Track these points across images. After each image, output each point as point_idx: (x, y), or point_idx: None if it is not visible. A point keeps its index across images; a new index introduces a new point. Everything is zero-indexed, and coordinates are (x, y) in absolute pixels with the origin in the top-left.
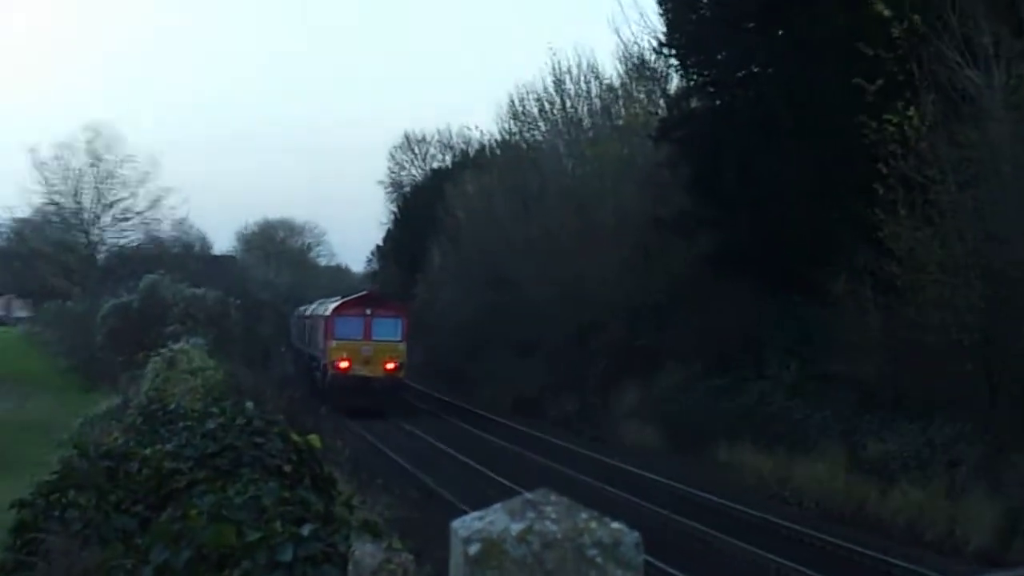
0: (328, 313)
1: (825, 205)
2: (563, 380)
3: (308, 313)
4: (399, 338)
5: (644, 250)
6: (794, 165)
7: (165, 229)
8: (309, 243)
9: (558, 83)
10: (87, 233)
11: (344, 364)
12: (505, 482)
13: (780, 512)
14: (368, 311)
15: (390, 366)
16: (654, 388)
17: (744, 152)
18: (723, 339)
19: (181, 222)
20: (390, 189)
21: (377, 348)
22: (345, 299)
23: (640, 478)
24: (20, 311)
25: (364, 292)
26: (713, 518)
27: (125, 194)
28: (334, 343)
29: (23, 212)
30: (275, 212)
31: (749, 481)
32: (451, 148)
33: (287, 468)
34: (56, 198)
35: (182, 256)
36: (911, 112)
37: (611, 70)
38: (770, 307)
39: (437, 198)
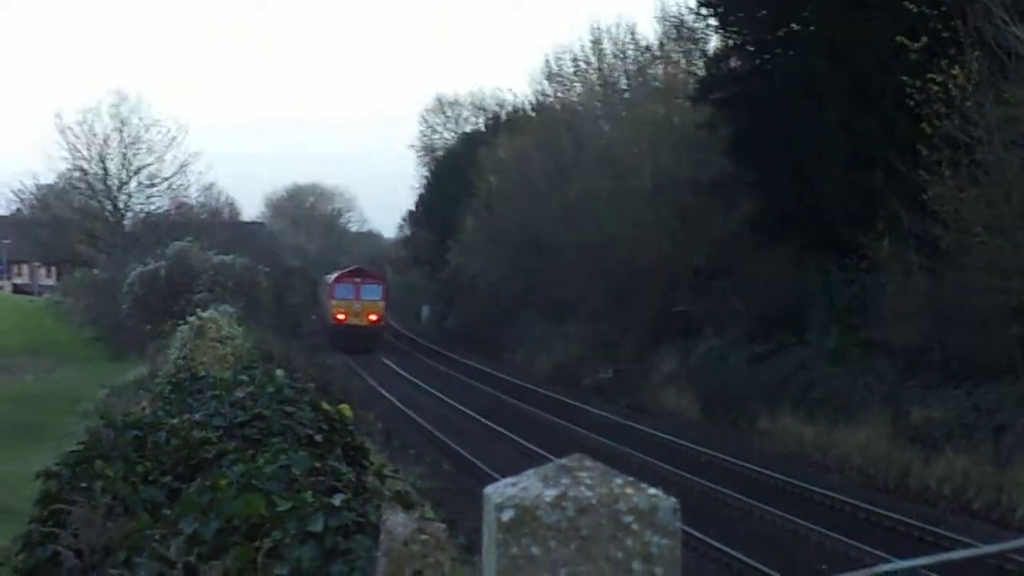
0: (331, 281)
1: (868, 166)
2: (598, 347)
3: (323, 281)
4: (379, 298)
5: (682, 214)
6: (836, 126)
7: (192, 195)
8: (339, 208)
9: (595, 43)
10: (113, 200)
11: (341, 316)
12: (539, 450)
13: (821, 481)
14: (358, 279)
15: (373, 317)
16: (692, 355)
17: (785, 113)
18: (763, 304)
19: (209, 188)
20: (422, 153)
21: (364, 305)
22: (342, 272)
23: (677, 446)
24: (45, 280)
25: (355, 267)
26: (752, 487)
27: (151, 159)
28: (334, 302)
29: (48, 179)
30: (305, 179)
31: (790, 449)
32: (484, 111)
33: (318, 438)
34: (82, 164)
35: (210, 222)
36: (956, 71)
37: (649, 31)
38: (812, 271)
39: (470, 162)
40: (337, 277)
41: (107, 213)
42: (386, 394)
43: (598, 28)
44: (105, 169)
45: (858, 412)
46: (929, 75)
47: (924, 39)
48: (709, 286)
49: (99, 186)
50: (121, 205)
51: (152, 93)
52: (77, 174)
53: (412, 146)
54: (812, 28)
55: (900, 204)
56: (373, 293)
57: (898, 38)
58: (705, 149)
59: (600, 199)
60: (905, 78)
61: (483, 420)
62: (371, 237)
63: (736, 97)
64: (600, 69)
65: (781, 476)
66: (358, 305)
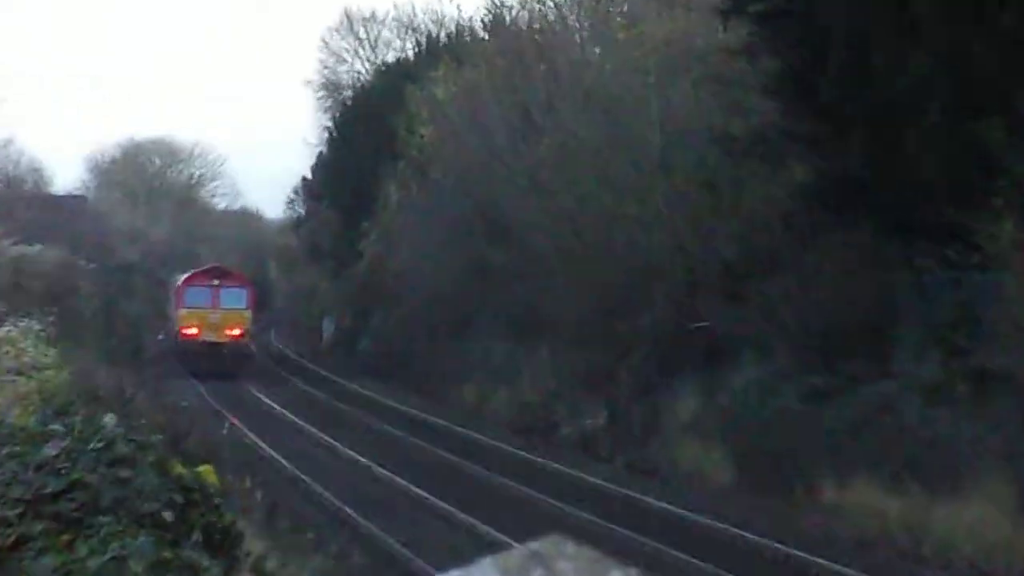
0: (179, 284)
1: (981, 116)
2: (584, 379)
3: (171, 283)
4: (244, 306)
5: (706, 183)
6: (935, 56)
7: None
8: (200, 174)
9: None
10: None
11: (193, 331)
12: (497, 534)
13: None
14: (216, 282)
15: (235, 332)
16: (721, 391)
17: (859, 35)
18: (826, 318)
19: (3, 147)
20: (322, 93)
21: (224, 316)
22: (194, 272)
23: (700, 527)
24: None
25: (212, 265)
26: None
27: None
28: (184, 311)
29: None
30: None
31: (867, 531)
32: (414, 31)
33: (167, 515)
34: None
35: (5, 198)
36: None
37: None
38: (898, 269)
39: (393, 106)
40: (187, 279)
41: None
42: (269, 449)
43: None
44: None
45: (968, 476)
46: None
47: None
48: (744, 290)
49: None
50: None
51: None
52: None
53: (309, 82)
54: None
55: None
56: (236, 300)
57: None
58: (739, 87)
59: (585, 160)
60: None
61: (413, 488)
62: (247, 217)
63: (786, 8)
64: None
65: (854, 572)
66: (216, 315)
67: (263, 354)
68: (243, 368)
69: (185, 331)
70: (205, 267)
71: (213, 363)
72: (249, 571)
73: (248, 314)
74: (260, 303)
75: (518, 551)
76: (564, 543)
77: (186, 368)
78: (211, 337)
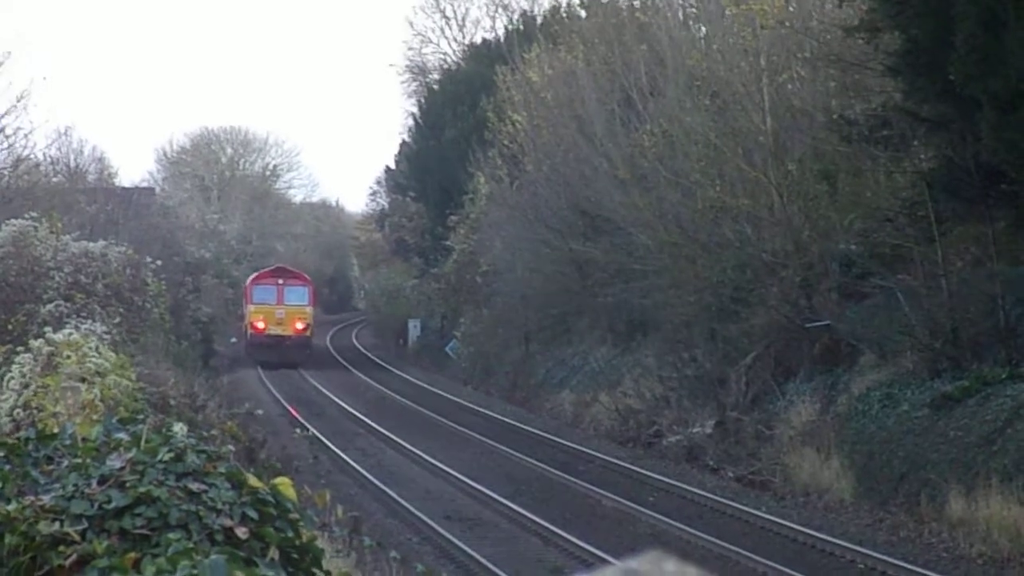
0: (247, 283)
1: None
2: (689, 384)
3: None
4: (306, 303)
5: (824, 173)
6: None
7: (36, 147)
8: (275, 165)
9: None
10: None
11: (261, 325)
12: (593, 549)
13: None
14: (280, 281)
15: (300, 326)
16: (840, 398)
17: (990, 7)
18: (955, 317)
19: (63, 135)
20: (407, 77)
21: (289, 312)
22: (261, 271)
23: (818, 544)
24: None
25: (277, 266)
26: None
27: None
28: (252, 307)
29: None
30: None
31: (999, 548)
32: (505, 8)
33: (242, 532)
34: None
35: (66, 189)
36: None
37: None
38: None
39: (484, 90)
40: (255, 278)
41: None
42: (349, 460)
43: None
44: None
45: None
46: None
47: None
48: (865, 288)
49: None
50: None
51: None
52: None
53: (392, 65)
54: None
55: None
56: (298, 297)
57: None
58: (858, 67)
59: (691, 149)
60: None
61: (505, 503)
62: (326, 211)
63: None
64: None
65: None
66: (280, 312)
67: (343, 356)
68: (305, 359)
69: (255, 325)
70: (271, 267)
71: (278, 354)
72: None
73: (309, 310)
74: (342, 303)
75: (613, 569)
76: (664, 559)
77: (254, 359)
78: (276, 331)
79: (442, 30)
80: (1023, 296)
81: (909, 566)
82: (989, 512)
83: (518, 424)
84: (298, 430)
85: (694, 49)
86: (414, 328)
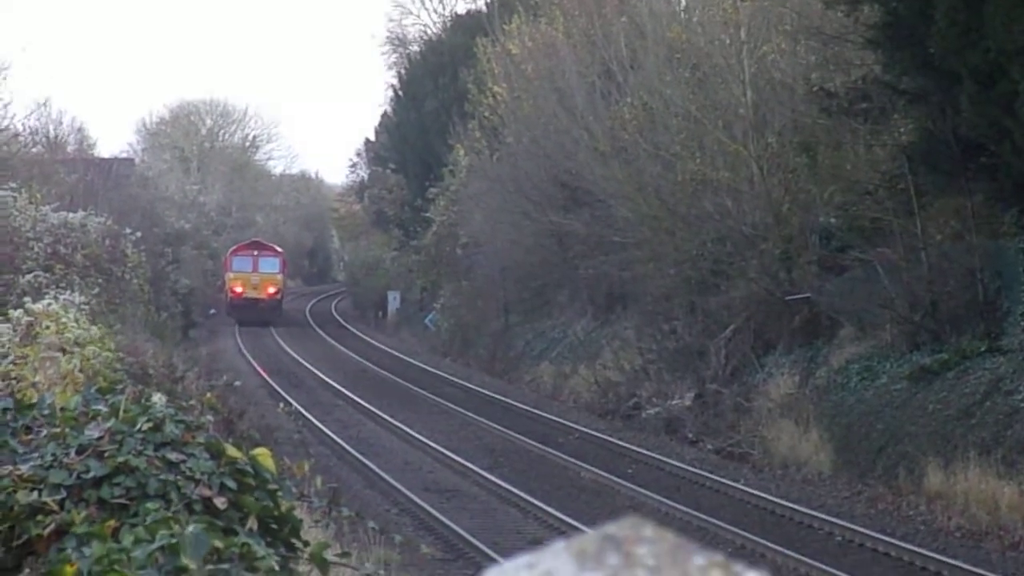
0: (227, 255)
1: None
2: (669, 356)
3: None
4: (277, 271)
5: (804, 145)
6: None
7: (15, 118)
8: (254, 136)
9: None
10: None
11: (239, 289)
12: (571, 520)
13: None
14: (255, 252)
15: (271, 290)
16: (819, 370)
17: None
18: (933, 290)
19: (43, 106)
20: (387, 49)
21: (263, 278)
22: (238, 244)
23: (796, 516)
24: None
25: (253, 240)
26: None
27: None
28: (231, 275)
29: None
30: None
31: (976, 521)
32: None
33: (220, 502)
34: None
35: (45, 160)
36: None
37: None
38: (1011, 236)
39: (464, 61)
40: (234, 250)
41: None
42: (328, 432)
43: None
44: None
45: None
46: None
47: None
48: (845, 261)
49: None
50: None
51: None
52: None
53: (372, 37)
54: None
55: None
56: (271, 266)
57: None
58: (838, 39)
59: (671, 122)
60: None
61: (484, 474)
62: (305, 183)
63: None
64: None
65: (963, 565)
66: (256, 278)
67: (322, 328)
68: (276, 318)
69: (234, 290)
70: (248, 241)
71: (254, 314)
72: (308, 559)
73: (280, 277)
74: (321, 275)
75: (592, 535)
76: (642, 526)
77: (233, 317)
78: (252, 295)
79: (423, 1)
80: (1002, 269)
81: (887, 538)
82: (967, 485)
83: (497, 396)
84: (282, 405)
85: (674, 21)
86: (393, 300)
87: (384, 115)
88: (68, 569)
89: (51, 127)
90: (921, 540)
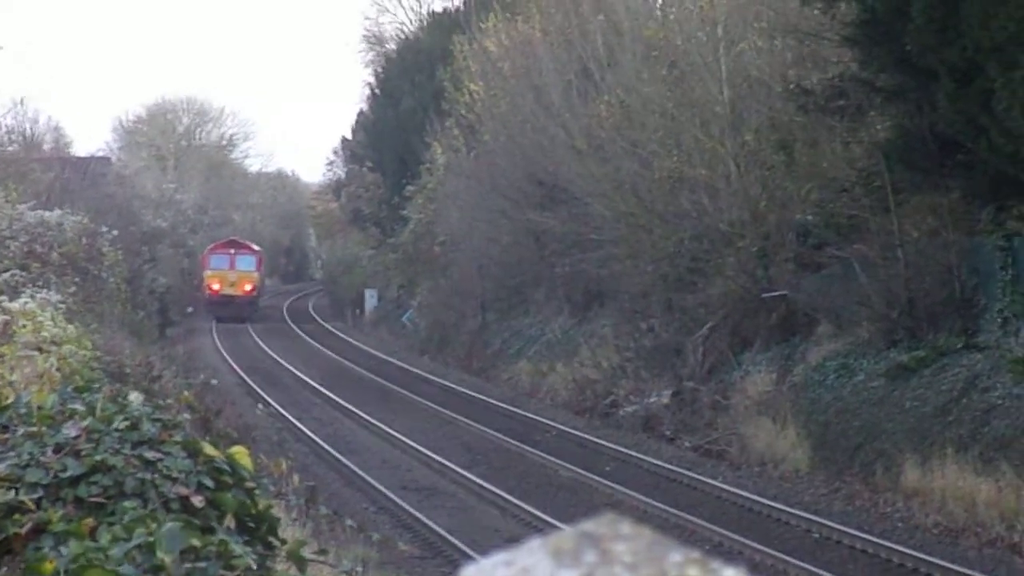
0: (205, 253)
1: None
2: (646, 354)
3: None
4: (254, 269)
5: (781, 143)
6: None
7: None
8: (231, 135)
9: None
10: None
11: (216, 286)
12: (547, 518)
13: (1010, 569)
14: (232, 251)
15: (248, 287)
16: (796, 367)
17: None
18: (910, 287)
19: (19, 104)
20: (364, 47)
21: (240, 276)
22: (216, 243)
23: (773, 513)
24: None
25: (230, 239)
26: None
27: None
28: (209, 272)
29: None
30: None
31: (953, 518)
32: None
33: (197, 500)
34: None
35: (21, 159)
36: None
37: None
38: (988, 234)
39: (441, 59)
40: (211, 248)
41: None
42: (306, 430)
43: None
44: None
45: None
46: None
47: None
48: (822, 258)
49: None
50: None
51: None
52: None
53: (347, 44)
54: None
55: None
56: (247, 264)
57: None
58: (815, 37)
59: (648, 119)
60: None
61: (462, 472)
62: (282, 181)
63: None
64: None
65: (941, 562)
66: (233, 275)
67: (300, 327)
68: (252, 314)
69: (211, 287)
70: (225, 240)
71: (231, 310)
72: (286, 557)
73: (256, 275)
74: (298, 273)
75: (569, 532)
76: (619, 523)
77: (211, 314)
78: (229, 291)
79: (398, 1)
80: (978, 266)
81: (864, 535)
82: (944, 482)
83: (475, 394)
84: (260, 406)
85: (651, 19)
86: (371, 298)
87: (361, 113)
88: (46, 567)
89: (27, 125)
90: (898, 537)
